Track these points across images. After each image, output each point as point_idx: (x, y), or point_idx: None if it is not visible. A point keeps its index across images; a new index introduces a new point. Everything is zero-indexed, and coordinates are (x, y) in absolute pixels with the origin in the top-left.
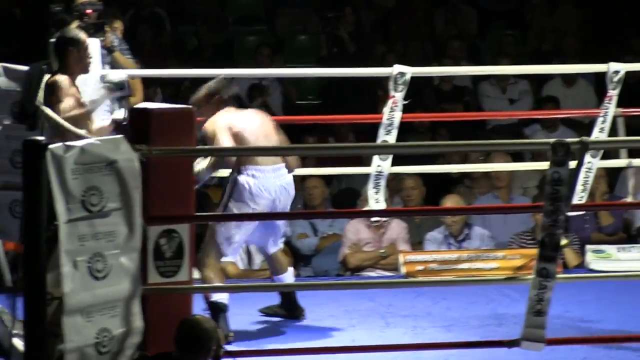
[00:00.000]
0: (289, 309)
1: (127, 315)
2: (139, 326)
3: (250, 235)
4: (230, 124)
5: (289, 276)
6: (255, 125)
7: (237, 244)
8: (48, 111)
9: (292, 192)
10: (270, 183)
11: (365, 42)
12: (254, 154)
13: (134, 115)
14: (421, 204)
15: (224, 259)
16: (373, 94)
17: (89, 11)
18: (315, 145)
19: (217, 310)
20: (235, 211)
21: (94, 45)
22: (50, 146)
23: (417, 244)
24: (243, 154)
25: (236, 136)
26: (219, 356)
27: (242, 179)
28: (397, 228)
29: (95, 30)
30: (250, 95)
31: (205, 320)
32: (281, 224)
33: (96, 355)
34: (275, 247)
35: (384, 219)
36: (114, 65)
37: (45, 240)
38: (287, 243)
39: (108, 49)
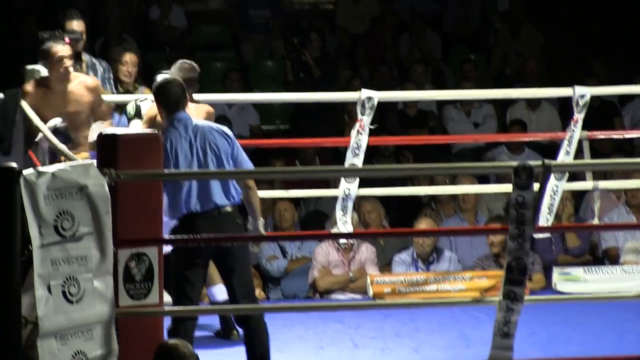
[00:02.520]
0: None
1: (102, 338)
2: (115, 349)
3: None
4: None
5: (219, 290)
6: None
7: None
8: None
9: None
10: None
11: (330, 67)
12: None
13: (102, 140)
14: (382, 227)
15: None
16: (339, 118)
17: (67, 40)
18: (284, 168)
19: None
20: None
21: None
22: (24, 172)
23: (383, 266)
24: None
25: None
26: None
27: None
28: (366, 252)
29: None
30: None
31: (182, 344)
32: None
33: None
34: None
35: (352, 241)
36: None
37: (20, 265)
38: (257, 265)
39: None
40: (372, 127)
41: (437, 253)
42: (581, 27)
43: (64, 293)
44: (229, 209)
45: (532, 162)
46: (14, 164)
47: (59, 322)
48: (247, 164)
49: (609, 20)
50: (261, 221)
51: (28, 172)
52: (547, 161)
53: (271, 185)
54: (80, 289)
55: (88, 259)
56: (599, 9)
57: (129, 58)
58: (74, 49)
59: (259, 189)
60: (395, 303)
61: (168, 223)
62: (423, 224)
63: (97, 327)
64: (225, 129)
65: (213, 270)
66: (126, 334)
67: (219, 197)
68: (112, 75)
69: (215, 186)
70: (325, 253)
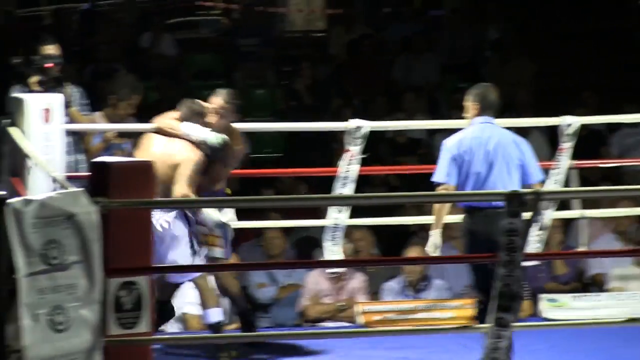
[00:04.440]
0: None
1: None
2: None
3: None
4: None
5: (214, 313)
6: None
7: None
8: None
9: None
10: None
11: (321, 95)
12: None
13: (94, 168)
14: (372, 255)
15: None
16: (330, 146)
17: (48, 65)
18: (273, 197)
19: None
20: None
21: (55, 100)
22: (10, 200)
23: (372, 295)
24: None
25: None
26: None
27: None
28: (356, 281)
29: (55, 84)
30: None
31: None
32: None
33: None
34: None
35: (341, 270)
36: (72, 120)
37: (6, 293)
38: (246, 292)
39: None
40: (363, 156)
41: (426, 281)
42: (572, 57)
43: (50, 322)
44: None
45: (523, 190)
46: (1, 192)
47: (45, 351)
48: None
49: (599, 51)
50: None
51: (15, 200)
52: (538, 189)
53: (262, 214)
54: (67, 318)
55: (76, 288)
56: (589, 40)
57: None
58: (51, 74)
59: (249, 218)
60: (384, 330)
61: None
62: (413, 252)
63: (83, 356)
64: (519, 139)
65: (208, 292)
66: None
67: None
68: (88, 101)
69: (497, 185)
70: (315, 281)
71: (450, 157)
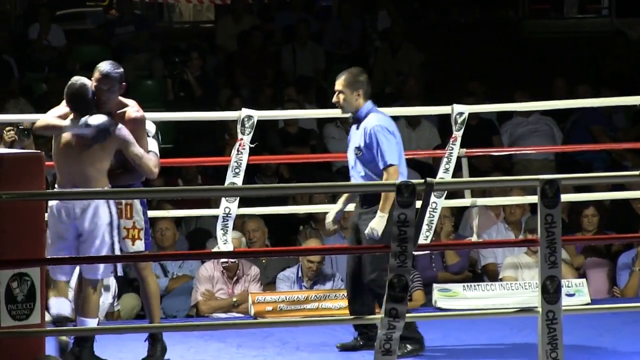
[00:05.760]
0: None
1: None
2: None
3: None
4: None
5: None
6: None
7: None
8: None
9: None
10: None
11: (211, 86)
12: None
13: None
14: (266, 245)
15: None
16: (220, 137)
17: None
18: (165, 188)
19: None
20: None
21: None
22: None
23: (265, 285)
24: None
25: None
26: None
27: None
28: (250, 272)
29: None
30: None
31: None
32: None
33: None
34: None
35: (233, 260)
36: None
37: None
38: (137, 285)
39: None
40: (252, 145)
41: (321, 272)
42: (459, 47)
43: None
44: None
45: (414, 181)
46: None
47: None
48: None
49: (486, 41)
50: None
51: None
52: (429, 179)
53: (152, 205)
54: None
55: None
56: (478, 30)
57: None
58: None
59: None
60: (276, 321)
61: None
62: (311, 243)
63: None
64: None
65: (94, 300)
66: (8, 354)
67: None
68: None
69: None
70: (208, 277)
71: (394, 140)
